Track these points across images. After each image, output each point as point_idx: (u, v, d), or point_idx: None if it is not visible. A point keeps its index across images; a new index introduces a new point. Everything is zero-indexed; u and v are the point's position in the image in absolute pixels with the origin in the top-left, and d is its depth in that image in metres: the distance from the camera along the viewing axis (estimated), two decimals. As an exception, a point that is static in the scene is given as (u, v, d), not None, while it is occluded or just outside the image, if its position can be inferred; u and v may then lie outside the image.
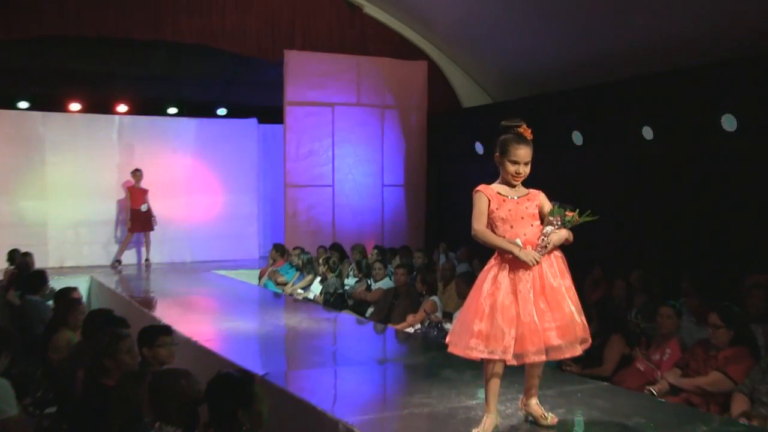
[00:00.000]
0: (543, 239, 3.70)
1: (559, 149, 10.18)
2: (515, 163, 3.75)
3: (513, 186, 3.81)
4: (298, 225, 12.36)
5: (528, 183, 3.89)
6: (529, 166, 3.78)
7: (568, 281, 3.76)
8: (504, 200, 3.76)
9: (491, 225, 3.78)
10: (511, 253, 3.67)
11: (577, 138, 10.06)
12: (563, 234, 3.75)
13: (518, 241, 3.69)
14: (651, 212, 9.29)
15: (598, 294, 7.59)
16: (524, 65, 11.86)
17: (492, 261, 3.81)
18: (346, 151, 12.73)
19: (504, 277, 3.70)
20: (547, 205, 3.83)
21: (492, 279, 3.73)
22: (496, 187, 3.83)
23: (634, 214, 9.49)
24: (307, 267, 10.58)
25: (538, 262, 3.67)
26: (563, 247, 3.81)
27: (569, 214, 3.74)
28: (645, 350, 5.92)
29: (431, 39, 13.26)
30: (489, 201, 3.76)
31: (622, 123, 9.41)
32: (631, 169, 9.58)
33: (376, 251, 10.74)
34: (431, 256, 10.74)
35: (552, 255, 3.75)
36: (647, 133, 9.04)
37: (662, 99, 8.90)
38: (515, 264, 3.70)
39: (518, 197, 3.79)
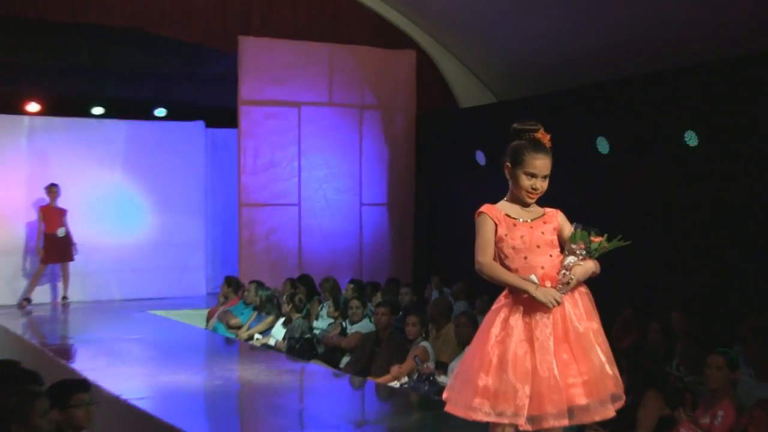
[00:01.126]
0: (565, 274, 3.72)
1: (579, 159, 10.23)
2: (532, 176, 3.78)
3: (526, 205, 3.85)
4: (256, 254, 12.37)
5: (541, 202, 3.90)
6: (547, 181, 3.82)
7: (596, 324, 3.77)
8: (515, 224, 3.79)
9: (499, 256, 3.81)
10: (526, 292, 3.68)
11: (602, 145, 10.13)
12: (589, 266, 3.77)
13: (534, 277, 3.71)
14: (695, 237, 9.26)
15: (630, 340, 7.61)
16: (537, 55, 11.87)
17: (502, 299, 3.83)
18: (315, 162, 12.73)
19: (517, 320, 3.71)
20: (568, 229, 3.85)
21: (502, 322, 3.74)
22: (505, 207, 3.86)
23: (675, 239, 9.47)
24: (266, 306, 10.60)
25: (559, 303, 3.69)
26: (589, 282, 3.81)
27: (595, 239, 3.76)
28: (690, 411, 5.90)
29: (421, 23, 13.29)
30: (496, 225, 3.79)
31: (659, 127, 9.46)
32: (670, 183, 9.60)
33: (352, 286, 10.74)
34: (421, 292, 10.79)
35: (576, 292, 3.77)
36: (691, 138, 9.10)
37: (711, 97, 8.90)
38: (531, 305, 3.70)
39: (532, 220, 3.82)
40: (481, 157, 11.96)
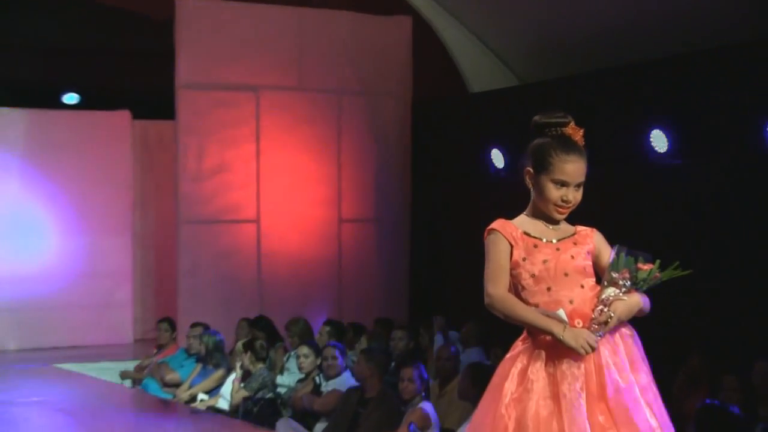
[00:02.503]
0: (602, 310, 3.77)
1: (626, 160, 10.35)
2: (561, 184, 3.88)
3: (553, 222, 3.95)
4: (201, 286, 12.40)
5: (573, 217, 3.97)
6: (581, 191, 3.92)
7: (644, 377, 3.82)
8: (536, 245, 3.89)
9: (515, 286, 3.90)
10: (549, 333, 3.75)
11: (659, 141, 10.14)
12: (634, 301, 3.82)
13: (562, 313, 3.77)
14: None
15: (698, 398, 7.58)
16: (573, 24, 11.89)
17: (518, 344, 3.90)
18: (280, 165, 12.74)
19: (538, 371, 3.78)
20: (606, 253, 3.93)
21: (519, 375, 3.80)
22: (524, 223, 3.95)
23: (756, 265, 9.39)
24: (214, 356, 10.63)
25: (594, 349, 3.74)
26: (635, 321, 3.87)
27: (644, 267, 3.82)
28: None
29: (419, -20, 13.68)
30: (511, 247, 3.88)
31: (734, 117, 9.47)
32: (751, 191, 9.57)
33: (329, 329, 10.87)
34: (419, 336, 10.82)
35: (617, 334, 3.83)
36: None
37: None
38: (556, 351, 3.78)
39: (559, 240, 3.91)
40: (498, 158, 11.98)
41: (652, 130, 10.11)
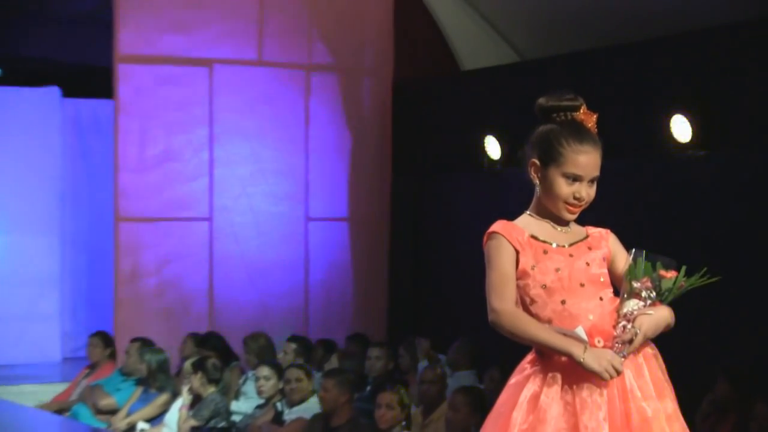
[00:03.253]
0: (626, 327, 3.84)
1: (642, 151, 10.44)
2: (574, 179, 3.94)
3: (562, 223, 4.02)
4: (142, 296, 12.37)
5: (584, 217, 4.03)
6: (595, 187, 3.99)
7: (670, 404, 3.88)
8: (546, 251, 3.94)
9: (524, 299, 3.94)
10: (568, 355, 3.80)
11: (681, 129, 10.11)
12: (662, 315, 3.90)
13: (581, 330, 3.83)
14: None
15: (727, 429, 7.72)
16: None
17: (526, 366, 3.97)
18: (237, 154, 12.79)
19: (553, 399, 3.82)
20: (622, 258, 4.02)
21: (529, 403, 3.85)
22: (529, 224, 4.01)
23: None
24: (158, 378, 10.58)
25: (620, 373, 3.79)
26: (657, 338, 3.92)
27: (667, 274, 3.88)
28: None
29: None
30: (517, 253, 3.93)
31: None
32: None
33: (294, 346, 10.97)
34: (399, 356, 10.81)
35: (641, 354, 3.91)
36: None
37: None
38: (574, 374, 3.83)
39: (571, 244, 3.99)
40: (494, 147, 11.98)
41: (673, 115, 10.07)
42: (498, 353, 7.42)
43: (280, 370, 9.58)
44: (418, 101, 13.33)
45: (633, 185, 10.03)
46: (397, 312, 13.43)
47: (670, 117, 10.10)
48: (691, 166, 10.17)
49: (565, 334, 3.77)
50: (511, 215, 3.99)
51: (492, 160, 11.98)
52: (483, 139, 12.08)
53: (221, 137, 12.74)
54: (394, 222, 13.52)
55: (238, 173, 12.81)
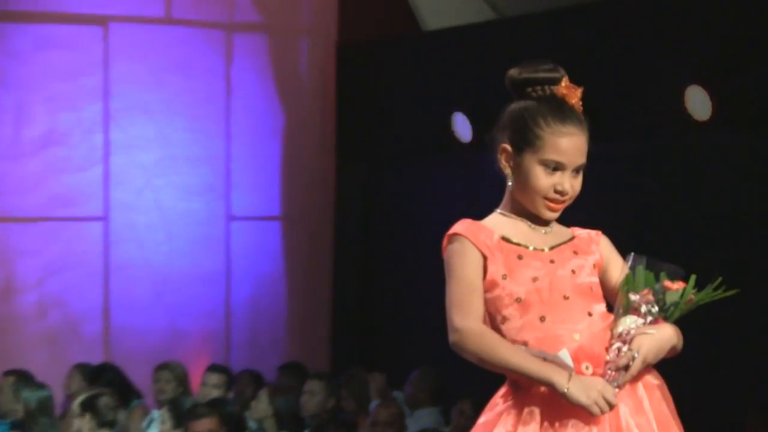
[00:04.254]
0: (620, 349, 3.92)
1: (649, 132, 10.66)
2: (555, 168, 4.00)
3: (542, 223, 4.09)
4: (17, 316, 12.38)
5: (572, 215, 4.11)
6: (581, 178, 4.06)
7: None
8: (521, 256, 4.02)
9: (494, 316, 4.00)
10: (548, 384, 3.85)
11: (697, 104, 10.14)
12: (666, 335, 3.97)
13: (565, 354, 3.88)
14: None
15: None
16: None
17: (498, 402, 4.02)
18: (139, 135, 12.76)
19: None
20: (617, 266, 4.11)
21: None
22: (499, 225, 4.09)
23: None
24: (38, 420, 10.31)
25: (612, 406, 3.82)
26: (661, 365, 4.00)
27: (673, 285, 3.96)
28: None
29: None
30: (485, 259, 4.00)
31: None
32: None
33: (215, 376, 11.10)
34: (344, 392, 10.91)
35: (640, 383, 3.98)
36: None
37: None
38: (557, 408, 3.87)
39: (552, 247, 4.07)
40: (463, 126, 12.13)
41: (688, 86, 10.16)
42: (468, 383, 7.67)
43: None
44: (368, 70, 13.44)
45: (636, 175, 10.38)
46: (342, 336, 13.64)
47: (685, 89, 10.24)
48: (711, 150, 10.60)
49: (545, 359, 3.84)
50: (483, 213, 4.08)
51: (461, 143, 12.16)
52: (450, 116, 12.27)
53: (119, 115, 12.82)
54: (340, 222, 13.72)
55: (141, 161, 12.89)
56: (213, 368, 11.31)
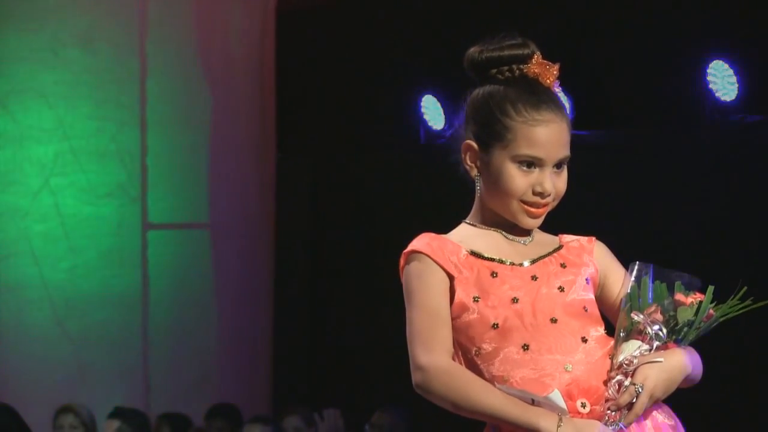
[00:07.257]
0: (621, 383, 3.82)
1: (663, 115, 11.27)
2: (530, 164, 3.89)
3: (520, 233, 4.00)
4: None
5: (568, 218, 4.17)
6: (565, 174, 3.95)
7: None
8: (495, 273, 3.92)
9: (466, 349, 3.89)
10: (534, 428, 3.76)
11: (721, 83, 10.75)
12: (677, 365, 3.83)
13: (557, 396, 3.75)
14: None
15: None
16: None
17: None
18: (32, 124, 12.35)
19: None
20: (618, 278, 4.03)
21: None
22: (467, 237, 3.99)
23: None
24: None
25: None
26: (676, 397, 3.90)
27: (686, 299, 3.85)
28: None
29: None
30: (451, 280, 3.90)
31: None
32: None
33: (119, 424, 11.06)
34: None
35: (648, 421, 3.91)
36: None
37: None
38: None
39: (534, 261, 3.98)
40: (433, 111, 12.43)
41: (710, 62, 10.73)
42: (440, 424, 7.57)
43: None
44: (315, 42, 13.34)
45: (650, 167, 10.97)
46: (285, 369, 13.41)
47: (706, 66, 10.98)
48: (738, 136, 11.30)
49: (533, 401, 3.71)
50: (465, 214, 3.93)
51: (431, 132, 12.36)
52: (418, 99, 12.54)
53: (7, 98, 12.35)
54: (282, 229, 13.34)
55: (36, 156, 12.37)
56: (117, 413, 11.19)
